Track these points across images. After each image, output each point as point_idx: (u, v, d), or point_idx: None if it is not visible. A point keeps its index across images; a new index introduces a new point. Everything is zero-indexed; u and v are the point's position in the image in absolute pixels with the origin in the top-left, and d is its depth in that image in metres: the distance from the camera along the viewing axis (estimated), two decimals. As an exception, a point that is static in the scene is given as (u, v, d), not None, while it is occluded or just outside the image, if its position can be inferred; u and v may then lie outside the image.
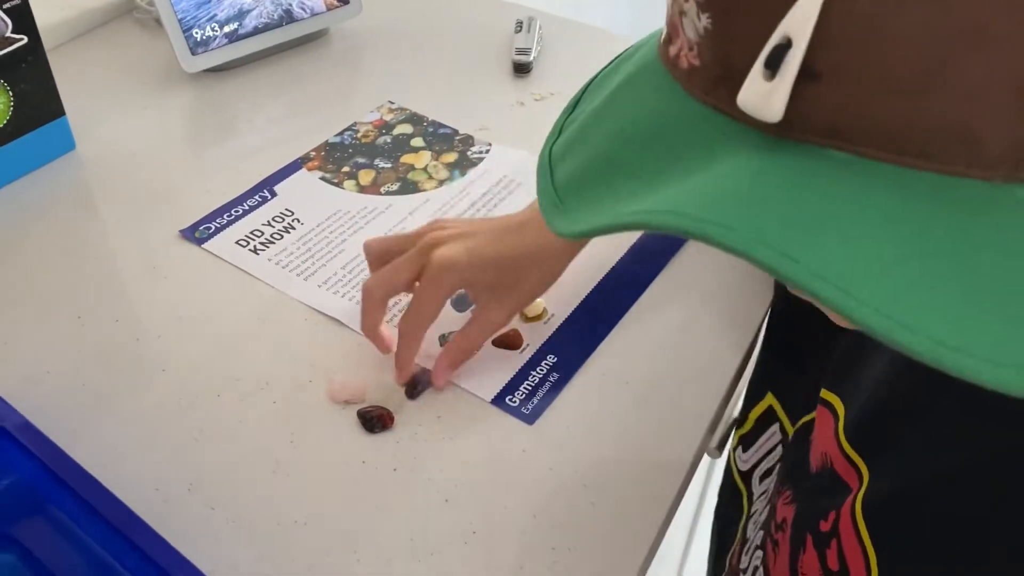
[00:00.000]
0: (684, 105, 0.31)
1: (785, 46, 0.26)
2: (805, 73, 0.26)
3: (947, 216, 0.25)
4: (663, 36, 0.34)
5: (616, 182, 0.32)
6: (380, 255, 0.61)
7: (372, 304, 0.59)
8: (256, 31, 0.88)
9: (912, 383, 0.45)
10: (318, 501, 0.53)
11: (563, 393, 0.59)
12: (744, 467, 0.66)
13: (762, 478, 0.65)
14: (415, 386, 0.58)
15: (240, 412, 0.58)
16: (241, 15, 0.88)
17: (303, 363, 0.60)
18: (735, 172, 0.28)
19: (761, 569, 0.55)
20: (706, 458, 0.86)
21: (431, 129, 0.82)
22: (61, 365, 0.60)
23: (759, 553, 0.56)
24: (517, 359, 0.61)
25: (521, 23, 0.94)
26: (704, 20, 0.29)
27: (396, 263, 0.59)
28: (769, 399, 0.64)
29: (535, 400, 0.58)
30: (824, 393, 0.52)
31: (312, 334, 0.63)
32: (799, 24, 0.25)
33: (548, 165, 0.37)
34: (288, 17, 0.90)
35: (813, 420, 0.56)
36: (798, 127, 0.27)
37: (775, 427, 0.63)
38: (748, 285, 0.67)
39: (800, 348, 0.61)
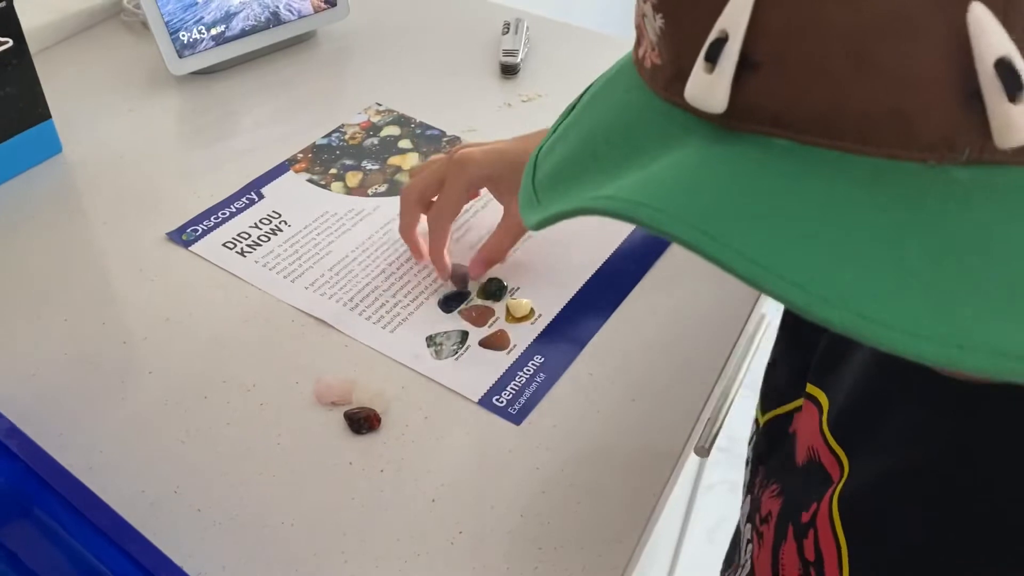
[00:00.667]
0: (648, 102, 0.33)
1: (723, 39, 0.27)
2: (745, 64, 0.27)
3: (879, 197, 0.26)
4: (635, 41, 0.35)
5: (584, 176, 0.34)
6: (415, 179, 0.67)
7: (407, 206, 0.66)
8: (243, 33, 0.88)
9: (887, 377, 0.46)
10: (305, 502, 0.53)
11: (550, 393, 0.59)
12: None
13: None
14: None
15: (227, 414, 0.58)
16: (228, 17, 0.88)
17: (290, 365, 0.61)
18: (681, 161, 0.29)
19: (748, 561, 0.56)
20: (694, 459, 0.87)
21: (418, 131, 0.82)
22: (48, 368, 0.60)
23: (749, 547, 0.57)
24: (504, 360, 0.61)
25: (508, 24, 0.94)
26: (659, 21, 0.31)
27: (426, 171, 0.66)
28: None
29: (522, 400, 0.59)
30: (809, 387, 0.54)
31: (299, 336, 0.63)
32: (734, 18, 0.27)
33: (533, 165, 0.39)
34: (275, 19, 0.90)
35: (788, 413, 0.58)
36: (743, 117, 0.28)
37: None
38: (733, 287, 0.68)
39: (780, 341, 0.63)
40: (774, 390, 0.62)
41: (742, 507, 0.63)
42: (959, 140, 0.26)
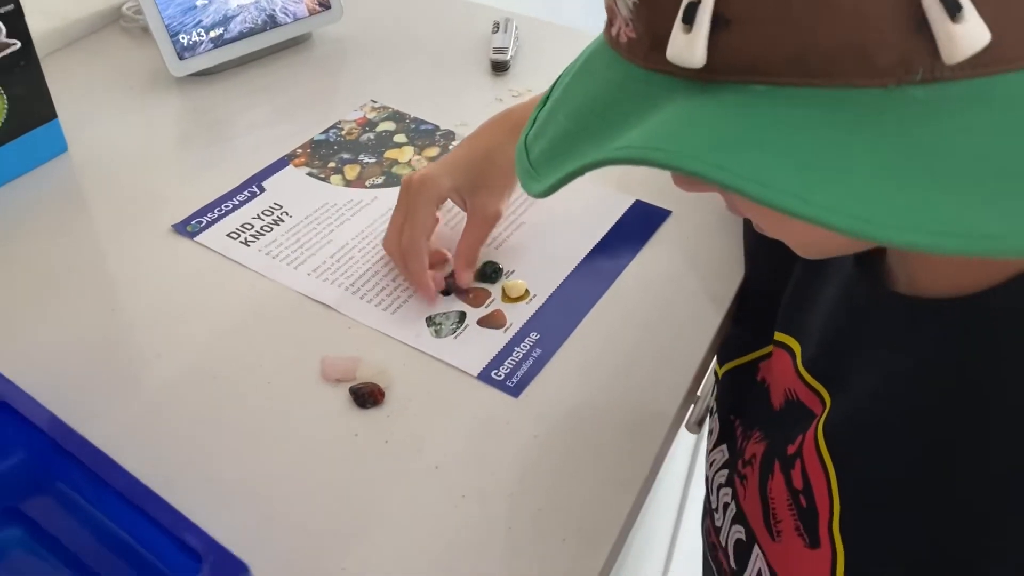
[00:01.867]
0: (629, 73, 0.37)
1: (696, 2, 0.31)
2: (718, 22, 0.31)
3: (851, 120, 0.30)
4: (605, 23, 0.39)
5: (578, 146, 0.38)
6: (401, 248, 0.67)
7: (395, 260, 0.67)
8: (241, 36, 0.91)
9: (854, 312, 0.50)
10: (314, 472, 0.55)
11: (546, 367, 0.62)
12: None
13: (699, 423, 0.71)
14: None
15: (236, 393, 0.60)
16: (226, 20, 0.90)
17: (295, 346, 0.63)
18: (673, 113, 0.33)
19: (733, 503, 0.59)
20: (690, 439, 0.89)
21: (413, 126, 0.85)
22: (58, 354, 0.62)
23: (727, 491, 0.60)
24: (501, 337, 0.64)
25: (498, 24, 0.97)
26: None
27: (393, 214, 0.67)
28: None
29: (519, 374, 0.61)
30: (778, 336, 0.58)
31: (303, 319, 0.65)
32: None
33: (524, 149, 0.43)
34: (271, 22, 0.93)
35: (751, 362, 0.63)
36: (721, 70, 0.32)
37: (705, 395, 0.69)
38: (719, 266, 0.70)
39: (742, 298, 0.68)
40: (735, 341, 0.66)
41: (708, 456, 0.66)
42: (913, 62, 0.30)
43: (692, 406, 0.69)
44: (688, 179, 0.42)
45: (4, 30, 0.72)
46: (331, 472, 0.55)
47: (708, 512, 0.65)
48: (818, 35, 0.30)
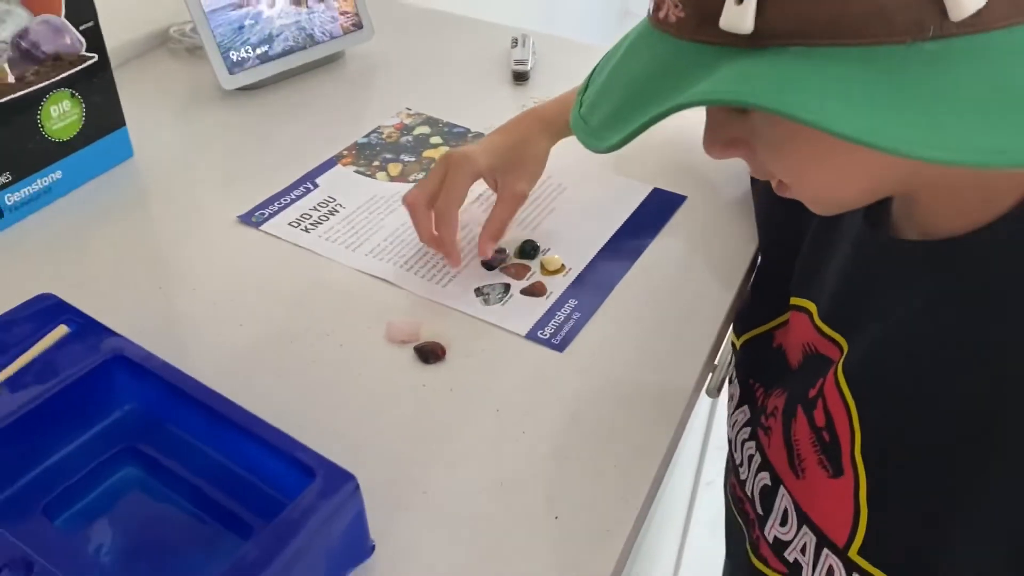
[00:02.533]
0: (678, 48, 0.44)
1: None
2: None
3: (877, 69, 0.38)
4: (651, 8, 0.46)
5: (638, 108, 0.45)
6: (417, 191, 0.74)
7: (418, 212, 0.73)
8: (283, 53, 1.00)
9: (865, 263, 0.56)
10: (390, 414, 0.62)
11: (585, 328, 0.70)
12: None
13: (718, 389, 0.77)
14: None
15: (311, 356, 0.67)
16: (270, 39, 0.99)
17: (360, 315, 0.70)
18: (731, 70, 0.41)
19: (757, 454, 0.65)
20: (709, 405, 0.96)
21: (447, 129, 0.93)
22: (148, 327, 0.69)
23: (751, 444, 0.66)
24: (543, 303, 0.71)
25: (516, 39, 1.06)
26: None
27: (426, 176, 0.73)
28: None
29: (562, 333, 0.69)
30: (794, 300, 0.65)
31: (364, 293, 0.73)
32: None
33: (580, 120, 0.50)
34: (311, 40, 1.01)
35: (768, 332, 0.69)
36: (766, 35, 0.40)
37: (724, 361, 0.75)
38: (730, 244, 0.79)
39: (758, 272, 0.74)
40: (750, 312, 0.73)
41: (730, 418, 0.72)
42: (925, 22, 0.37)
43: (711, 374, 0.76)
44: (720, 145, 0.50)
45: (85, 44, 0.80)
46: (405, 414, 0.62)
47: (732, 469, 0.71)
48: (848, 4, 0.38)
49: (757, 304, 0.73)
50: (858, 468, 0.53)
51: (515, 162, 0.75)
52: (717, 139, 0.50)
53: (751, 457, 0.66)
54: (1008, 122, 0.36)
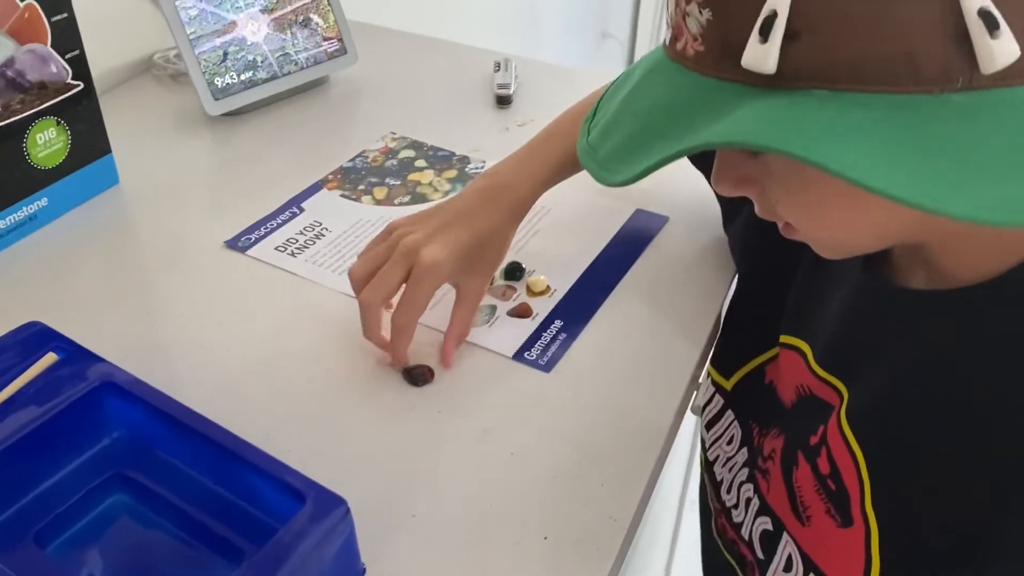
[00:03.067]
0: (696, 82, 0.42)
1: (772, 17, 0.37)
2: (788, 35, 0.37)
3: (901, 119, 0.37)
4: (668, 39, 0.45)
5: (652, 144, 0.43)
6: (366, 276, 0.67)
7: (372, 313, 0.65)
8: (268, 78, 1.00)
9: (868, 311, 0.55)
10: (378, 439, 0.63)
11: (572, 348, 0.70)
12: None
13: (708, 426, 0.74)
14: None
15: (299, 380, 0.67)
16: (255, 65, 0.99)
17: (347, 339, 0.71)
18: (749, 111, 0.39)
19: (756, 498, 0.63)
20: (693, 425, 0.97)
21: (431, 152, 0.94)
22: (136, 353, 0.69)
23: (748, 486, 0.65)
24: (530, 324, 0.72)
25: (499, 64, 1.08)
26: (706, 14, 0.41)
27: (384, 272, 0.65)
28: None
29: (549, 354, 0.69)
30: (784, 339, 0.64)
31: (353, 316, 0.72)
32: (779, 1, 0.37)
33: (588, 149, 0.49)
34: (295, 66, 1.02)
35: (757, 368, 0.68)
36: (788, 77, 0.38)
37: (708, 380, 0.73)
38: (713, 262, 0.80)
39: (734, 311, 0.73)
40: (732, 351, 0.71)
41: (724, 459, 0.70)
42: (953, 72, 0.36)
43: (695, 392, 0.77)
44: (730, 182, 0.48)
45: (71, 72, 0.80)
46: (394, 437, 0.63)
47: (722, 510, 0.69)
48: (872, 47, 0.36)
49: (740, 340, 0.71)
50: (868, 519, 0.52)
51: (480, 260, 0.69)
52: (728, 177, 0.49)
53: (748, 500, 0.64)
54: None
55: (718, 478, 0.70)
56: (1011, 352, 0.46)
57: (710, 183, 0.51)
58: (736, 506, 0.66)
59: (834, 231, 0.48)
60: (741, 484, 0.66)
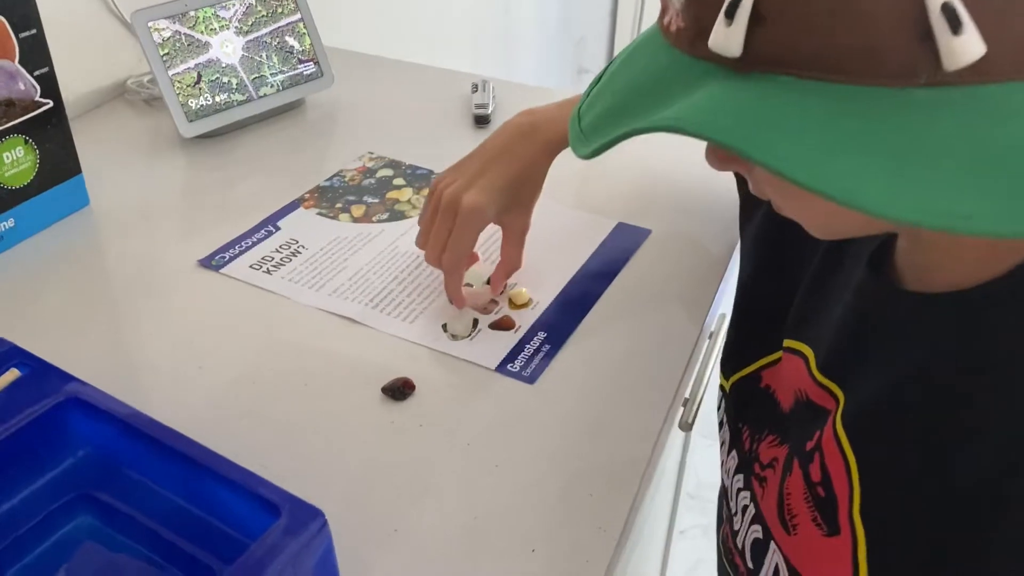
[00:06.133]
0: (674, 58, 0.42)
1: (737, 0, 0.37)
2: (754, 18, 0.37)
3: (860, 112, 0.36)
4: (660, 12, 0.44)
5: (627, 117, 0.43)
6: (424, 240, 0.73)
7: (455, 276, 0.71)
8: (243, 100, 0.99)
9: (867, 315, 0.53)
10: (357, 455, 0.60)
11: (555, 360, 0.69)
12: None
13: (719, 430, 0.72)
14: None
15: (274, 396, 0.65)
16: (229, 87, 0.98)
17: (324, 354, 0.69)
18: (709, 94, 0.39)
19: (752, 505, 0.62)
20: (680, 436, 0.95)
21: (409, 171, 0.93)
22: (105, 372, 0.66)
23: (745, 494, 0.64)
24: (512, 337, 0.70)
25: (476, 85, 1.07)
26: None
27: (436, 231, 0.71)
28: None
29: (533, 365, 0.68)
30: (788, 343, 0.62)
31: (329, 331, 0.71)
32: None
33: (577, 118, 0.48)
34: (271, 88, 1.01)
35: (755, 372, 0.66)
36: (755, 61, 0.38)
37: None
38: (695, 274, 0.79)
39: (738, 310, 0.71)
40: (737, 354, 0.70)
41: (724, 465, 0.70)
42: (917, 67, 0.35)
43: (682, 407, 0.75)
44: (722, 156, 0.47)
45: (39, 90, 0.78)
46: (374, 452, 0.60)
47: (727, 519, 0.68)
48: (836, 36, 0.35)
49: (743, 341, 0.70)
50: (856, 528, 0.50)
51: (518, 198, 0.73)
52: (715, 151, 0.48)
53: (745, 507, 0.63)
54: (981, 185, 0.34)
55: (725, 485, 0.69)
56: (1011, 356, 0.45)
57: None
58: (736, 513, 0.65)
59: (815, 214, 0.47)
60: (739, 491, 0.65)
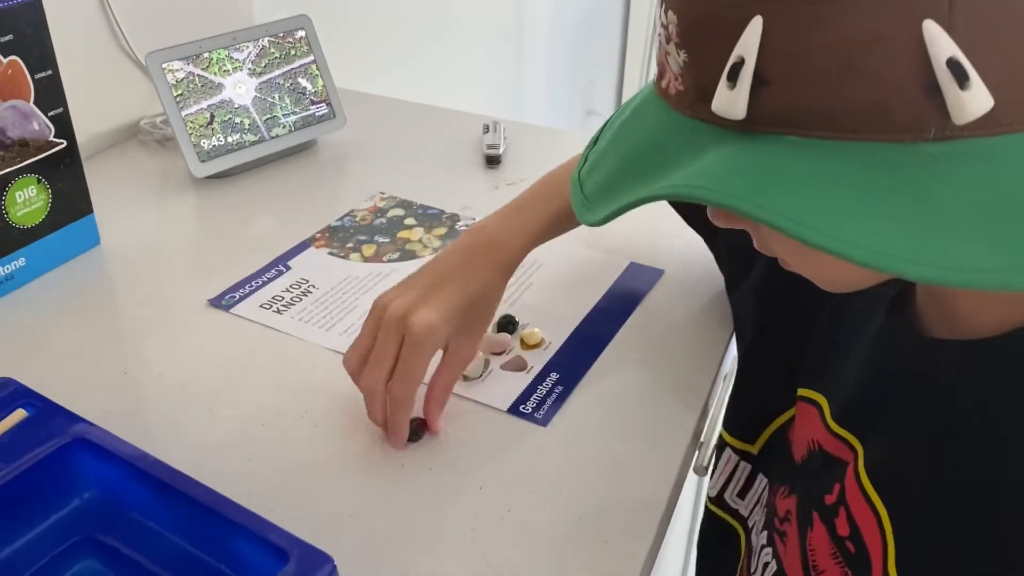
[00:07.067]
0: (676, 121, 0.42)
1: (740, 63, 0.37)
2: (758, 80, 0.36)
3: (870, 169, 0.35)
4: (656, 75, 0.44)
5: (630, 184, 0.43)
6: (360, 360, 0.63)
7: (377, 398, 0.62)
8: (256, 141, 1.00)
9: (886, 363, 0.52)
10: (367, 498, 0.59)
11: (568, 402, 0.67)
12: (712, 493, 0.72)
13: (741, 495, 0.70)
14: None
15: (284, 437, 0.64)
16: (242, 127, 0.99)
17: (335, 394, 0.68)
18: (717, 158, 0.38)
19: (773, 562, 0.60)
20: (695, 481, 0.93)
21: (421, 210, 0.93)
22: (113, 412, 0.66)
23: (767, 551, 0.61)
24: (524, 378, 0.70)
25: (488, 126, 1.07)
26: (682, 56, 0.40)
27: (377, 351, 0.62)
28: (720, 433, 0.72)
29: (545, 407, 0.67)
30: (802, 391, 0.61)
31: (340, 372, 0.69)
32: (748, 46, 0.36)
33: (578, 183, 0.48)
34: (283, 129, 1.02)
35: (781, 426, 0.65)
36: (760, 122, 0.37)
37: (727, 451, 0.70)
38: (709, 314, 0.78)
39: (746, 388, 0.70)
40: (750, 418, 0.67)
41: (749, 518, 0.67)
42: (926, 122, 0.35)
43: (697, 451, 0.74)
44: (725, 214, 0.47)
45: (54, 130, 0.79)
46: (384, 495, 0.59)
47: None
48: (844, 95, 0.35)
49: (756, 404, 0.67)
50: None
51: (470, 323, 0.65)
52: (721, 210, 0.47)
53: (766, 564, 0.61)
54: (999, 238, 0.33)
55: (753, 544, 0.66)
56: (1012, 407, 0.43)
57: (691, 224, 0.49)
58: (755, 570, 0.63)
59: (824, 269, 0.46)
60: (763, 548, 0.63)
